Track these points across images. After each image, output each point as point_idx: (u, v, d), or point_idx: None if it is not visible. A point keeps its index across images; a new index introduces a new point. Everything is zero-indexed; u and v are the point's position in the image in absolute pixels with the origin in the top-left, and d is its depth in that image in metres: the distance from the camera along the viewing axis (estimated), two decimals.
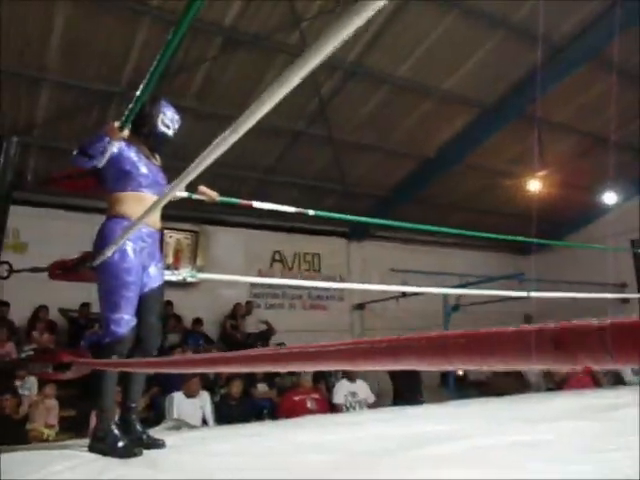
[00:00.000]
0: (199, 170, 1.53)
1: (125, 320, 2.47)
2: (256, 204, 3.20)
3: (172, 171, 1.59)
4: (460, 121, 8.42)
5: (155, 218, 2.66)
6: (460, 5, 6.43)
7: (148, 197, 2.56)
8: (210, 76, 6.71)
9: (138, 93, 1.69)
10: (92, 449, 2.42)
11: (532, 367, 0.49)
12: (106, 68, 6.27)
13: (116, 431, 2.41)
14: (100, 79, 6.39)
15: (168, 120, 2.71)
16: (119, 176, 2.59)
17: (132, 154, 2.62)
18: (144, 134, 2.68)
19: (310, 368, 0.77)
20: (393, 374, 6.84)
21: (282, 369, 0.85)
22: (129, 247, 2.51)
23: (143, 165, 2.63)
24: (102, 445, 2.40)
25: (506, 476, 1.90)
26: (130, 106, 1.92)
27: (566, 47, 7.22)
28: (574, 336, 0.43)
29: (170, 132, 2.73)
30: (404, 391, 6.40)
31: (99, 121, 6.67)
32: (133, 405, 2.61)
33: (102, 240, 2.51)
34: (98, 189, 2.74)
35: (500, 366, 0.52)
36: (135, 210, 2.49)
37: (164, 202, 1.90)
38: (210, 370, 1.97)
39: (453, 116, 8.31)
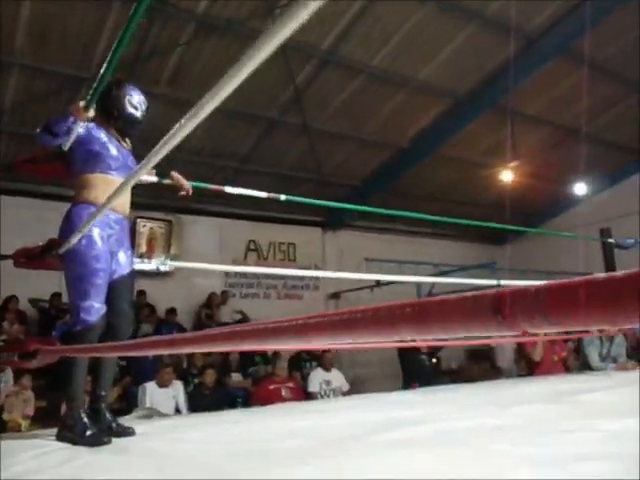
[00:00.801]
0: (163, 153, 1.51)
1: (95, 308, 2.43)
2: (228, 189, 3.18)
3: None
4: (434, 112, 8.47)
5: (124, 204, 2.62)
6: None
7: (117, 181, 2.49)
8: (183, 62, 6.62)
9: (102, 71, 1.66)
10: (60, 438, 2.39)
11: (476, 333, 0.50)
12: (76, 53, 6.14)
13: (85, 419, 2.39)
14: (70, 64, 6.25)
15: (135, 102, 2.68)
16: (88, 157, 2.54)
17: (102, 135, 2.58)
18: (113, 118, 2.64)
19: (266, 345, 0.77)
20: (401, 361, 6.88)
21: (239, 347, 0.85)
22: (96, 233, 2.47)
23: (113, 147, 2.59)
24: (70, 434, 2.37)
25: (471, 457, 1.93)
26: (94, 85, 1.89)
27: (539, 40, 7.29)
28: (512, 301, 0.44)
29: (138, 113, 2.69)
30: (412, 377, 6.43)
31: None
32: (103, 394, 2.58)
33: (68, 227, 2.47)
34: (65, 175, 2.68)
35: (445, 334, 0.52)
36: (103, 195, 2.43)
37: (130, 185, 1.87)
38: (173, 351, 1.95)
39: (427, 106, 8.34)
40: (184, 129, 1.31)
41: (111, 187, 2.44)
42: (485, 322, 0.46)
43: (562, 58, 7.52)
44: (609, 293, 0.37)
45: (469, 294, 0.49)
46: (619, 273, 0.37)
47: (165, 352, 1.95)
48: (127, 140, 2.77)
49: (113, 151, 2.58)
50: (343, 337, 0.62)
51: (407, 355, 6.69)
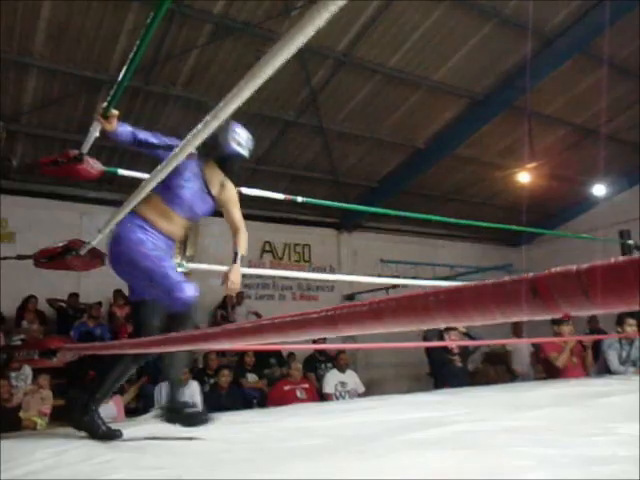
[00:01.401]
0: (181, 158, 1.54)
1: (184, 284, 2.43)
2: (245, 190, 3.20)
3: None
4: (450, 112, 8.42)
5: (175, 230, 2.62)
6: None
7: (177, 218, 2.56)
8: (199, 64, 6.65)
9: (122, 73, 1.68)
10: (76, 424, 2.46)
11: (513, 317, 0.49)
12: (94, 55, 6.20)
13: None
14: (88, 66, 6.32)
15: (241, 139, 2.66)
16: (167, 183, 2.49)
17: (189, 173, 2.55)
18: (219, 159, 2.64)
19: (293, 337, 0.76)
20: (431, 363, 6.72)
21: (266, 340, 0.85)
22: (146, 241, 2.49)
23: (189, 190, 2.56)
24: (90, 421, 2.43)
25: (488, 458, 1.91)
26: (115, 87, 1.91)
27: (556, 39, 7.22)
28: (552, 282, 0.43)
29: (245, 152, 2.67)
30: (443, 380, 6.20)
31: (87, 109, 6.60)
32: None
33: (116, 231, 2.50)
34: (85, 176, 2.71)
35: (481, 319, 0.51)
36: (157, 219, 2.50)
37: (148, 189, 1.89)
38: (195, 347, 1.97)
39: (443, 107, 8.30)
40: (203, 132, 1.33)
41: (168, 218, 2.52)
42: (523, 305, 0.46)
43: (580, 57, 7.44)
44: None
45: (505, 278, 0.48)
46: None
47: (185, 348, 1.97)
48: (224, 183, 2.70)
49: (185, 193, 2.56)
50: (376, 326, 0.62)
51: (437, 357, 6.47)
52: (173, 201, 2.55)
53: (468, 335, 6.24)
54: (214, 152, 2.61)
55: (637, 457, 1.86)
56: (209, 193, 2.64)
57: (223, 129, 2.59)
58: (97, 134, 2.45)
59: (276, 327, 0.74)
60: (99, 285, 7.69)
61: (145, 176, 2.09)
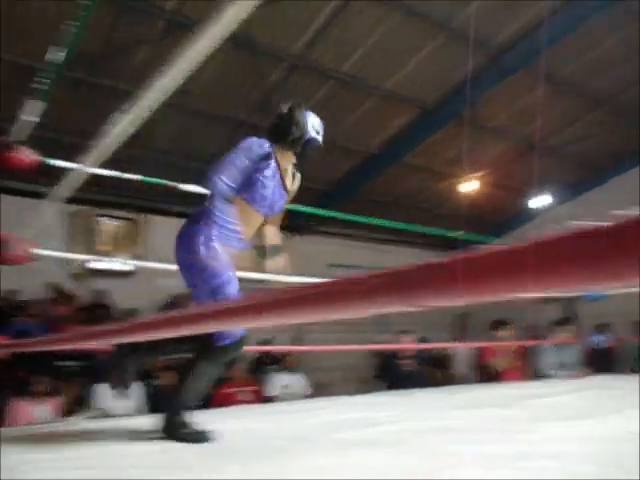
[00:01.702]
0: (102, 147, 1.51)
1: None
2: (182, 186, 3.16)
3: None
4: (401, 120, 8.57)
5: (251, 232, 2.56)
6: (404, 5, 6.53)
7: (257, 216, 2.51)
8: (150, 60, 6.53)
9: (55, 61, 1.64)
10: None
11: (383, 310, 0.50)
12: (36, 44, 5.99)
13: None
14: (29, 55, 6.10)
15: (317, 126, 2.62)
16: (246, 180, 2.44)
17: (269, 172, 2.47)
18: (295, 144, 2.56)
19: (218, 326, 0.76)
20: (382, 367, 6.65)
21: (190, 330, 0.84)
22: (217, 246, 2.34)
23: (270, 188, 2.49)
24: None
25: (419, 456, 1.96)
26: (51, 77, 1.87)
27: (505, 53, 7.46)
28: (416, 275, 0.45)
29: (320, 138, 2.64)
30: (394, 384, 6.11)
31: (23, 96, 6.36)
32: None
33: (199, 228, 2.36)
34: (18, 165, 2.62)
35: (355, 313, 0.52)
36: (239, 218, 2.41)
37: (76, 180, 1.85)
38: (131, 338, 1.88)
39: (395, 115, 8.44)
40: (123, 121, 1.31)
41: (247, 216, 2.44)
42: (389, 298, 0.47)
43: (527, 72, 7.69)
44: (511, 262, 0.38)
45: (371, 273, 0.50)
46: (522, 244, 0.39)
47: (118, 340, 1.92)
48: (296, 174, 2.66)
49: (268, 191, 2.49)
50: (295, 316, 0.62)
51: (386, 361, 6.45)
52: (256, 200, 2.47)
53: (423, 339, 6.31)
54: (292, 141, 2.55)
55: (557, 453, 1.97)
56: (285, 187, 2.60)
57: (300, 117, 2.55)
58: (34, 120, 2.37)
59: (199, 317, 0.73)
60: (39, 282, 7.45)
61: (77, 166, 2.03)
